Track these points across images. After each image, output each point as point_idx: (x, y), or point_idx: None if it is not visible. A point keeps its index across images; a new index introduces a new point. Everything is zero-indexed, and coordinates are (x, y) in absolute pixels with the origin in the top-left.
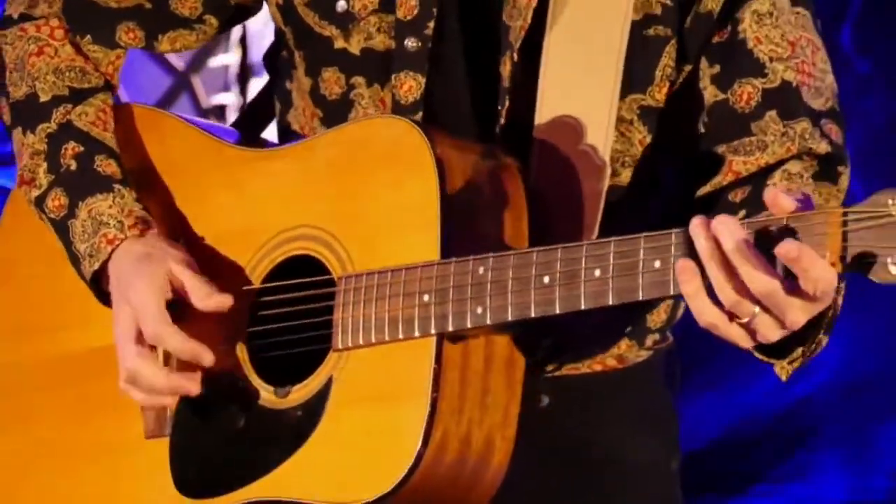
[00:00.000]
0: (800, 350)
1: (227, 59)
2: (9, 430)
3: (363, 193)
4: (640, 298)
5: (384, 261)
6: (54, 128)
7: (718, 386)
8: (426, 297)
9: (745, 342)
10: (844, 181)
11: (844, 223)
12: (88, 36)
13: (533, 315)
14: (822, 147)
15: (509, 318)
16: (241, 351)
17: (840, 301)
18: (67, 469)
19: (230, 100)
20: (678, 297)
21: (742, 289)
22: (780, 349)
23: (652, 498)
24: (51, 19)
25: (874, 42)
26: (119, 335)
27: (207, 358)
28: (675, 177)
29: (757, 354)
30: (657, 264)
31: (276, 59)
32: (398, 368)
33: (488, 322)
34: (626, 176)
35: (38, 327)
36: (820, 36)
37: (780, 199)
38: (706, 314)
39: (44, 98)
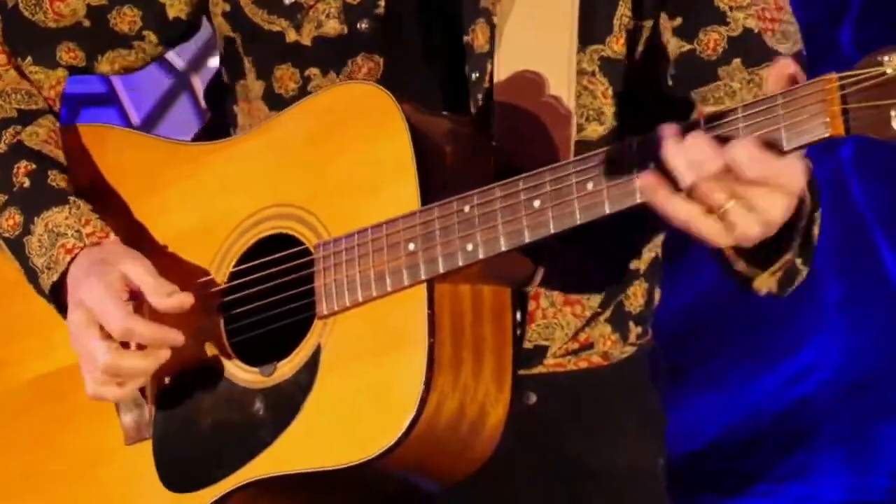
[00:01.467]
0: (780, 261)
1: None
2: None
3: (331, 161)
4: (638, 201)
5: (362, 223)
6: (4, 148)
7: (718, 386)
8: (412, 246)
9: (722, 238)
10: None
11: (842, 87)
12: (29, 57)
13: (527, 240)
14: None
15: (503, 248)
16: (220, 339)
17: (816, 230)
18: (52, 490)
19: None
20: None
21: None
22: (760, 262)
23: (640, 495)
24: None
25: (874, 42)
26: (78, 336)
27: (179, 339)
28: (641, 130)
29: (740, 266)
30: (651, 166)
31: (217, 93)
32: (389, 322)
33: (480, 256)
34: (591, 130)
35: (2, 361)
36: None
37: (789, 67)
38: (680, 213)
39: None
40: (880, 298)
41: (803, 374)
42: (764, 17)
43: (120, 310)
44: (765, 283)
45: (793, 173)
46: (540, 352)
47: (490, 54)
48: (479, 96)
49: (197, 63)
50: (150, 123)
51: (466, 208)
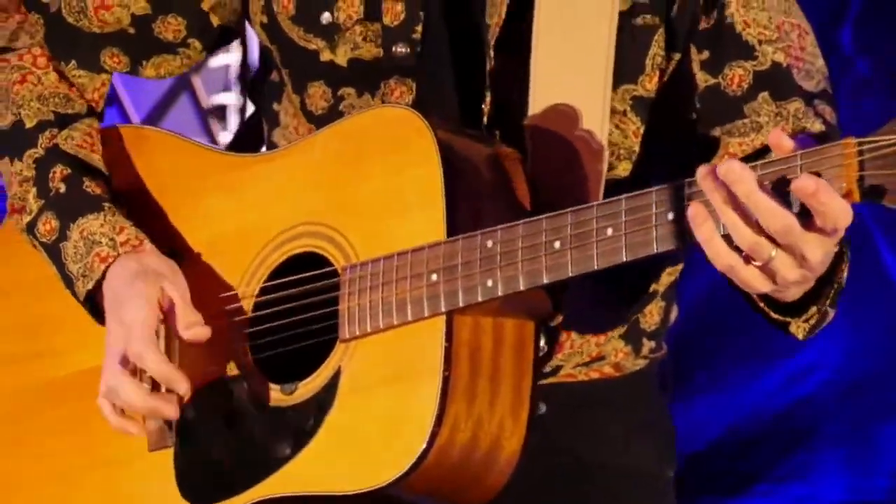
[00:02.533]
0: (814, 308)
1: (228, 59)
2: (10, 455)
3: (364, 183)
4: (655, 251)
5: (389, 248)
6: (41, 153)
7: (719, 386)
8: (434, 277)
9: (763, 285)
10: None
11: (860, 153)
12: (73, 61)
13: (545, 281)
14: (817, 126)
15: (521, 287)
16: (245, 354)
17: (845, 275)
18: (70, 487)
19: (230, 100)
20: (691, 246)
21: (758, 230)
22: (795, 309)
23: (646, 502)
24: (33, 48)
25: (874, 42)
26: (108, 352)
27: (183, 386)
28: (670, 168)
29: (773, 315)
30: (670, 216)
31: (260, 86)
32: (408, 351)
33: (499, 293)
34: (622, 169)
35: (31, 354)
36: (807, 21)
37: (783, 140)
38: (722, 257)
39: (29, 124)
40: (880, 299)
41: (803, 375)
42: (790, 54)
43: (143, 334)
44: (801, 329)
45: (844, 215)
46: (555, 370)
47: (490, 87)
48: (486, 123)
49: (197, 63)
50: (149, 123)
51: (489, 243)
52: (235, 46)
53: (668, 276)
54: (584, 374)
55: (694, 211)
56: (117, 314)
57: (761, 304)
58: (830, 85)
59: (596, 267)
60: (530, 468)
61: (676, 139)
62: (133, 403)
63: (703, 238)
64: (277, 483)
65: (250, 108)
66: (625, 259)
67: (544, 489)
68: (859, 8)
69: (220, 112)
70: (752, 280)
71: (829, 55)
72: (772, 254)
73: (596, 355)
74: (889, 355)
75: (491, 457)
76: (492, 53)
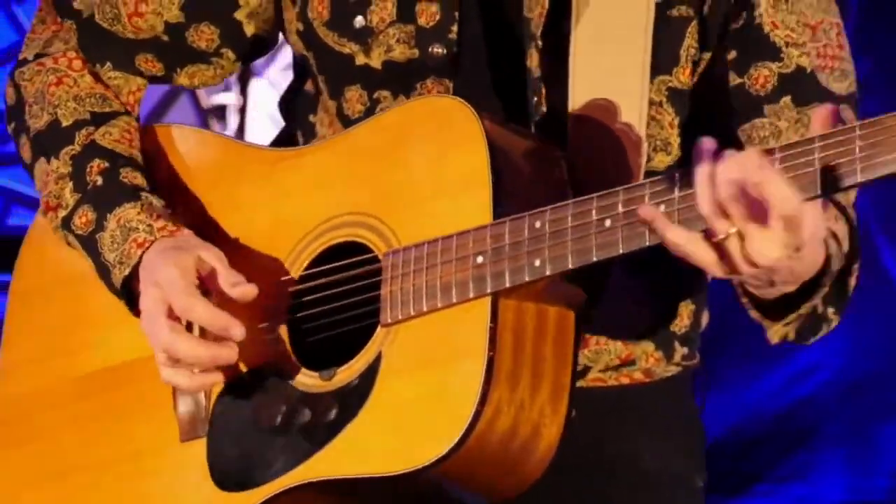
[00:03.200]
0: (793, 315)
1: None
2: (43, 448)
3: (407, 172)
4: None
5: (432, 233)
6: (78, 149)
7: (720, 386)
8: (480, 259)
9: (714, 268)
10: None
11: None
12: (108, 63)
13: (595, 259)
14: None
15: (570, 266)
16: (284, 341)
17: (853, 281)
18: (102, 479)
19: (230, 100)
20: None
21: (728, 204)
22: (774, 312)
23: None
24: (68, 52)
25: (874, 42)
26: (148, 315)
27: (237, 331)
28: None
29: (753, 314)
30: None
31: (292, 102)
32: (451, 332)
33: (547, 272)
34: (659, 160)
35: (62, 351)
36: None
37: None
38: (679, 236)
39: (66, 123)
40: (881, 299)
41: (804, 375)
42: (825, 55)
43: (187, 288)
44: (777, 333)
45: (810, 221)
46: (583, 371)
47: (540, 79)
48: (538, 119)
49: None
50: (150, 123)
51: (538, 224)
52: None
53: (697, 278)
54: (613, 378)
55: (643, 212)
56: (151, 278)
57: (744, 300)
58: (857, 83)
59: (647, 243)
60: (559, 472)
61: (710, 134)
62: (191, 355)
63: (659, 229)
64: (312, 468)
65: (250, 108)
66: None
67: (570, 494)
68: (859, 8)
69: (220, 112)
70: (703, 258)
71: None
72: (729, 230)
73: (626, 357)
74: (889, 355)
75: (530, 445)
76: (540, 44)
